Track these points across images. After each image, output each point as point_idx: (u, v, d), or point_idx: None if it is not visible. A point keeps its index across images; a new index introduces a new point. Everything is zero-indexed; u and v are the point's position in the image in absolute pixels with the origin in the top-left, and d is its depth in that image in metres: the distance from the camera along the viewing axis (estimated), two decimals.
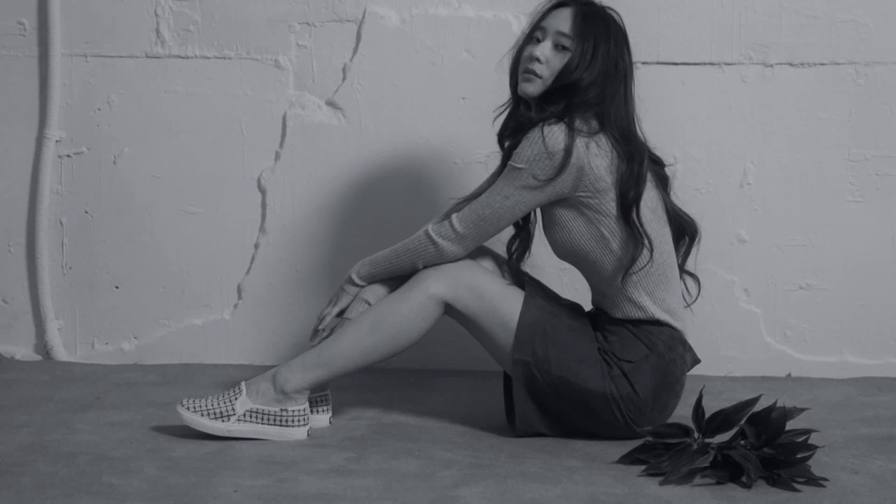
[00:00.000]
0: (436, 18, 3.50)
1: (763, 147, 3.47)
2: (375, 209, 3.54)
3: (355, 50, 3.52)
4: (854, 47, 3.43)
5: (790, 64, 3.45)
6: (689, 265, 2.94)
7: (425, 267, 2.80)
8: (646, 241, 2.72)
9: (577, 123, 2.71)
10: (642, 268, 2.73)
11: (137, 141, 3.58)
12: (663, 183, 2.88)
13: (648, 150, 2.81)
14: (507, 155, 2.82)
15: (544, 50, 2.75)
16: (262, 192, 3.57)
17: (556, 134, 2.68)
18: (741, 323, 3.49)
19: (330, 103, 3.54)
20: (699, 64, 3.45)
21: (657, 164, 2.88)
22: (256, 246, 3.58)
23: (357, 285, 2.87)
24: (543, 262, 3.25)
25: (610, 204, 2.72)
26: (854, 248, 3.47)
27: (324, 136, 3.54)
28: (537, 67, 2.75)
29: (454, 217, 2.79)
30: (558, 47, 2.75)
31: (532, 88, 2.77)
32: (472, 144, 3.48)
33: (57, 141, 3.58)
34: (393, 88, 3.51)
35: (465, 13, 3.50)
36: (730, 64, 3.45)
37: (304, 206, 3.56)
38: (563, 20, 2.75)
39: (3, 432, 2.81)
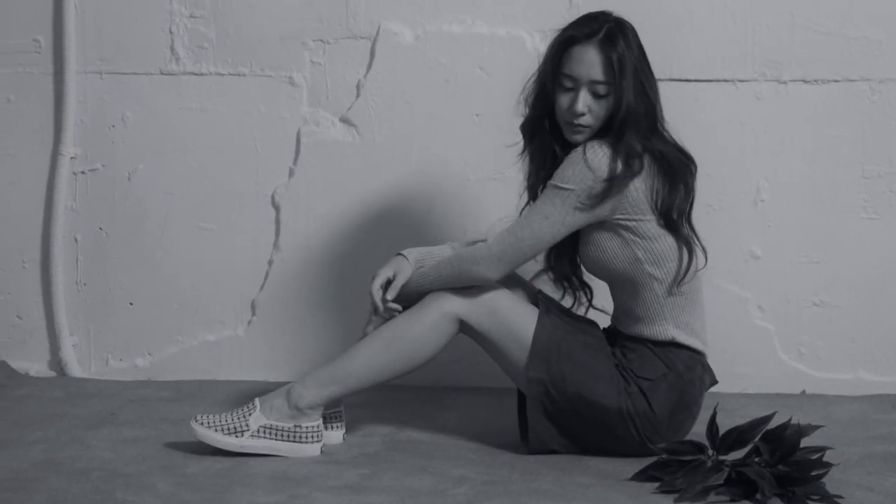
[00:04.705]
0: (450, 35, 3.51)
1: (776, 164, 3.46)
2: (389, 226, 3.54)
3: (369, 67, 3.53)
4: (867, 64, 3.43)
5: (804, 80, 3.44)
6: (700, 274, 2.87)
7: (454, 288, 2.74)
8: (699, 245, 2.74)
9: (622, 143, 2.65)
10: (692, 275, 2.73)
11: (152, 158, 3.59)
12: None
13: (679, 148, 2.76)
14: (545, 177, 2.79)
15: (586, 101, 2.69)
16: (276, 208, 3.57)
17: (598, 155, 2.65)
18: (755, 340, 3.48)
19: (344, 120, 3.55)
20: (712, 81, 3.45)
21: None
22: (270, 262, 3.58)
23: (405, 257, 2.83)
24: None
25: (648, 226, 2.70)
26: (868, 264, 3.46)
27: (338, 153, 3.55)
28: (584, 120, 2.70)
29: (490, 238, 2.73)
30: (597, 95, 2.69)
31: (583, 138, 2.72)
32: (486, 161, 3.49)
33: (72, 158, 3.59)
34: (407, 105, 3.52)
35: (479, 30, 3.50)
36: (743, 81, 3.45)
37: (317, 223, 3.56)
38: (591, 66, 2.68)
39: (17, 448, 2.82)
